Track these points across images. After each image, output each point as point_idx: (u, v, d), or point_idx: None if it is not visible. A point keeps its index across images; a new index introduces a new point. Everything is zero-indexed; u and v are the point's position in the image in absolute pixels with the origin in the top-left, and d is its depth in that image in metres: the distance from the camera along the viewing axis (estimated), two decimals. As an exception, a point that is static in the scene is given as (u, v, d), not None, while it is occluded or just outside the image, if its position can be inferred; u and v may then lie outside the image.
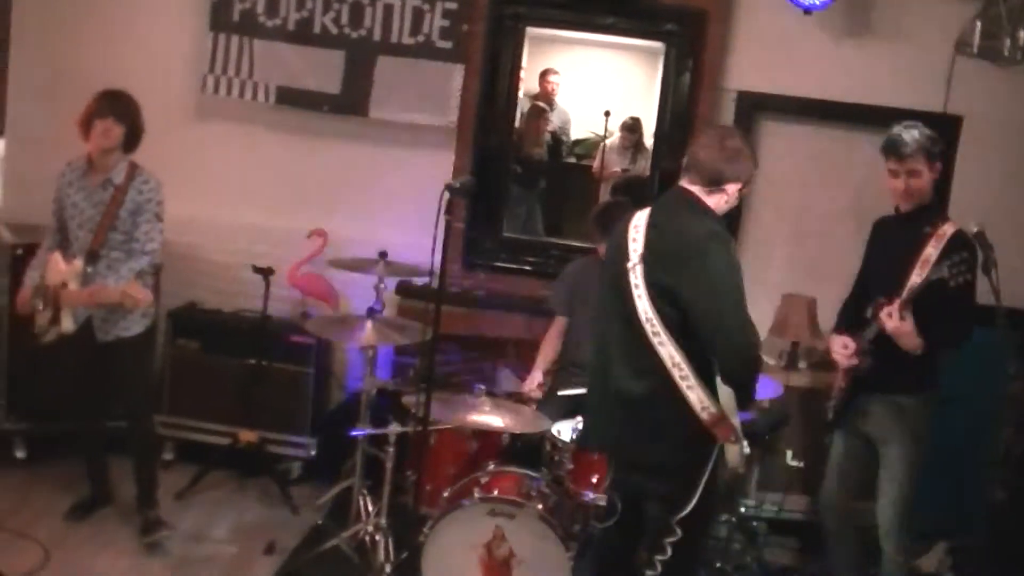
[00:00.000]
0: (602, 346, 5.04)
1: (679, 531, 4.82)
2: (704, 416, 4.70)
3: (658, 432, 4.82)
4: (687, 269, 4.68)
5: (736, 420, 4.79)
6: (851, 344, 5.88)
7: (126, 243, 6.47)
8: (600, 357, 5.05)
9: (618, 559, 5.26)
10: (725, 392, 4.76)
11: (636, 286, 4.79)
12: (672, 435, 4.80)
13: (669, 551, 4.86)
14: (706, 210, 4.87)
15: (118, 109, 6.47)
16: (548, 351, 7.04)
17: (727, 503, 6.94)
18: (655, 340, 4.72)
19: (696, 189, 4.89)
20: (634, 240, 4.90)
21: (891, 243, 5.92)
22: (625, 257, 4.88)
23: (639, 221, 4.96)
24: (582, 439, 5.48)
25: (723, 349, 4.64)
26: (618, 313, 4.89)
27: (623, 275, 4.86)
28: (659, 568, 4.89)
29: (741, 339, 4.62)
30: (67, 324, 6.43)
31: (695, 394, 4.69)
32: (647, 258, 4.82)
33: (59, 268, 6.47)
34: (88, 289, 6.36)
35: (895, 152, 5.71)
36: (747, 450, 4.93)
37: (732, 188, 4.87)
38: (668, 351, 4.70)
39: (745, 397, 4.80)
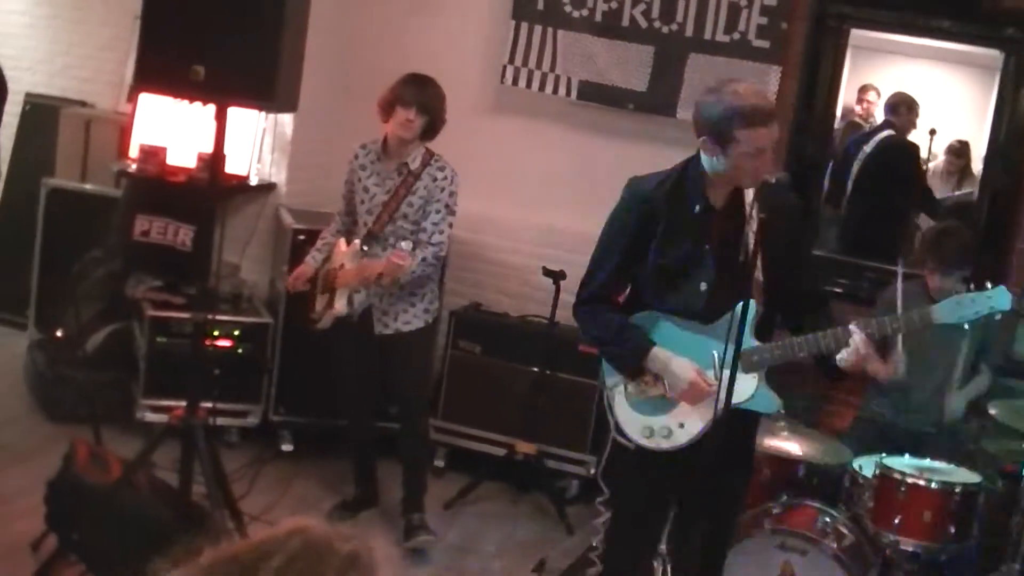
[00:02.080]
0: None
1: None
2: None
3: None
4: None
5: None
6: None
7: (414, 232, 6.58)
8: None
9: None
10: None
11: None
12: None
13: None
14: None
15: (423, 99, 6.55)
16: None
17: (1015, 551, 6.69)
18: None
19: None
20: None
21: None
22: None
23: None
24: None
25: None
26: None
27: None
28: None
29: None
30: (340, 305, 6.61)
31: None
32: None
33: (340, 251, 6.65)
34: (358, 265, 6.52)
35: None
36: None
37: (701, 141, 4.82)
38: None
39: None
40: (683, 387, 4.74)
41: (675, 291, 4.84)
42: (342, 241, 6.74)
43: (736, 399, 4.63)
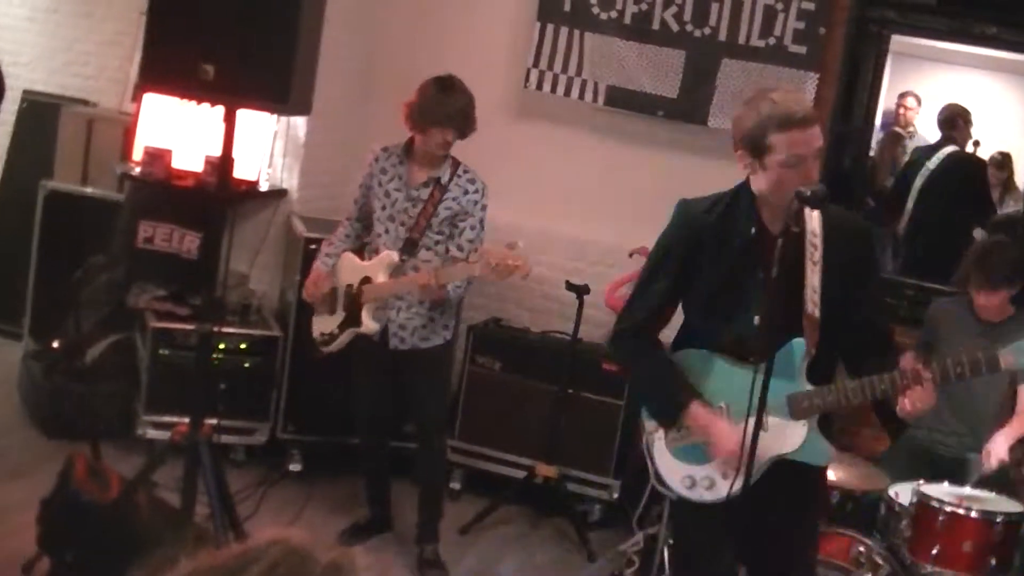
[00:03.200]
0: None
1: None
2: None
3: None
4: None
5: None
6: None
7: (440, 244, 6.58)
8: None
9: None
10: None
11: None
12: None
13: None
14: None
15: (458, 118, 6.47)
16: None
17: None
18: None
19: None
20: None
21: None
22: None
23: None
24: None
25: None
26: None
27: None
28: None
29: None
30: (368, 323, 6.55)
31: None
32: None
33: (355, 264, 6.63)
34: (397, 280, 6.45)
35: None
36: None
37: (738, 155, 4.60)
38: None
39: None
40: (725, 454, 4.55)
41: (725, 325, 4.67)
42: (349, 255, 6.75)
43: (783, 449, 4.55)
